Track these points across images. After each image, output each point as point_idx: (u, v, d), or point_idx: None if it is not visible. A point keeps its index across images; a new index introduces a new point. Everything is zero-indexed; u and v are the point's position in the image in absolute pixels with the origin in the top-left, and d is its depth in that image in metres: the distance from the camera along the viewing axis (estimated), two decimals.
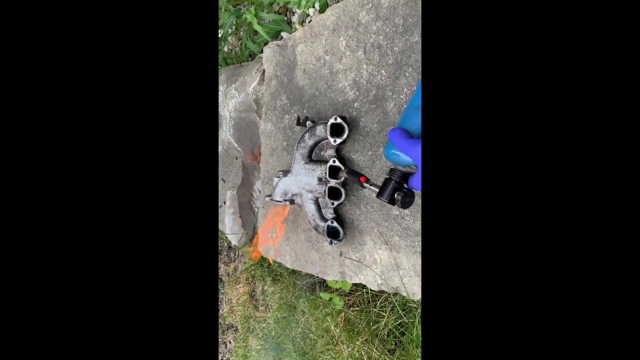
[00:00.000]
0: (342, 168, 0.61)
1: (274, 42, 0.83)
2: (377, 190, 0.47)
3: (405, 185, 0.44)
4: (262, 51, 1.07)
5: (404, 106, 0.60)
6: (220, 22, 1.22)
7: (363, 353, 0.77)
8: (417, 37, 0.56)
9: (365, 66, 0.64)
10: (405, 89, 0.59)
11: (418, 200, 0.60)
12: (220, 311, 1.38)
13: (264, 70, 0.91)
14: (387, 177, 0.45)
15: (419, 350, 0.71)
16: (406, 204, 0.44)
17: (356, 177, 0.54)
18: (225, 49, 1.33)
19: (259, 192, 1.08)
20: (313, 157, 0.73)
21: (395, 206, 0.61)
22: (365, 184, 0.53)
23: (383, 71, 0.61)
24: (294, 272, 1.08)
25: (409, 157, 0.41)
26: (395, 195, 0.44)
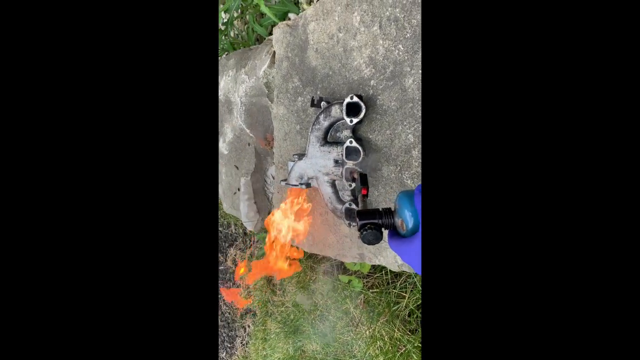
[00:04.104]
0: (359, 170, 0.62)
1: (284, 22, 0.81)
2: (361, 209, 0.45)
3: (382, 229, 0.42)
4: (270, 34, 1.05)
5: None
6: (225, 7, 1.19)
7: (384, 333, 0.77)
8: None
9: (381, 41, 0.61)
10: None
11: None
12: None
13: (274, 53, 0.89)
14: (379, 209, 0.43)
15: None
16: (366, 240, 0.42)
17: (361, 184, 0.55)
18: (232, 33, 1.30)
19: (273, 177, 1.07)
20: (328, 139, 0.72)
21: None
22: (360, 196, 0.54)
23: (400, 46, 0.59)
24: (310, 256, 1.08)
25: (412, 222, 0.38)
26: (367, 226, 0.41)
